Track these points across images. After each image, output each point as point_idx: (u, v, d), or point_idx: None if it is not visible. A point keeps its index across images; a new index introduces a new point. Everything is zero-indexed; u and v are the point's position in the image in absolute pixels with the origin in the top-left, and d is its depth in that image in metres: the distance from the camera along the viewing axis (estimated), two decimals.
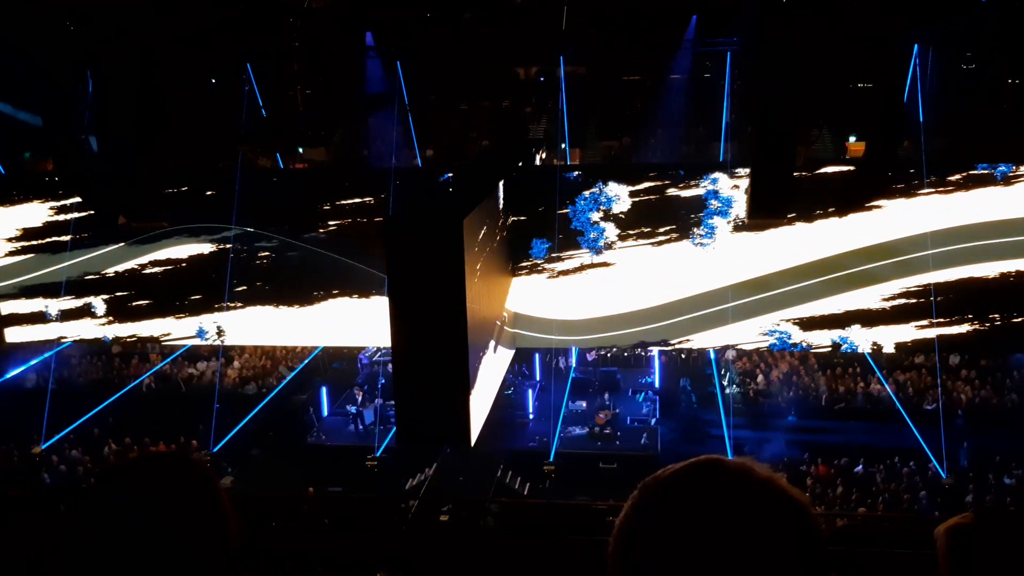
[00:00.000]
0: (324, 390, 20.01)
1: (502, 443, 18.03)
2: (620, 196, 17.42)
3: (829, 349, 17.78)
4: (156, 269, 18.95)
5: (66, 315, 19.27)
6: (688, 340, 18.02)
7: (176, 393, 21.11)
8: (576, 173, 17.71)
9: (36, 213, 18.94)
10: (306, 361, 21.59)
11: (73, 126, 14.94)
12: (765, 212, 16.24)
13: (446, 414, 13.24)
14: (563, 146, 18.10)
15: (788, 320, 17.50)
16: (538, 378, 20.58)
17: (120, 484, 1.61)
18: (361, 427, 18.81)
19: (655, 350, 20.05)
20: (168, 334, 19.41)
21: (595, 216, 17.53)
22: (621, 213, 17.46)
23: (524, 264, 17.83)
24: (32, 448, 17.72)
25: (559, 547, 11.50)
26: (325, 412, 19.81)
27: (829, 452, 17.20)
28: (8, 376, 20.53)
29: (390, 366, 17.66)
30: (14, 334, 19.76)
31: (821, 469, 16.64)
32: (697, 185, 17.27)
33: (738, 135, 17.46)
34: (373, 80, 18.48)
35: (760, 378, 20.15)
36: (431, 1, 17.48)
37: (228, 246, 18.42)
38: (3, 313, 19.48)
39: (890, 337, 17.42)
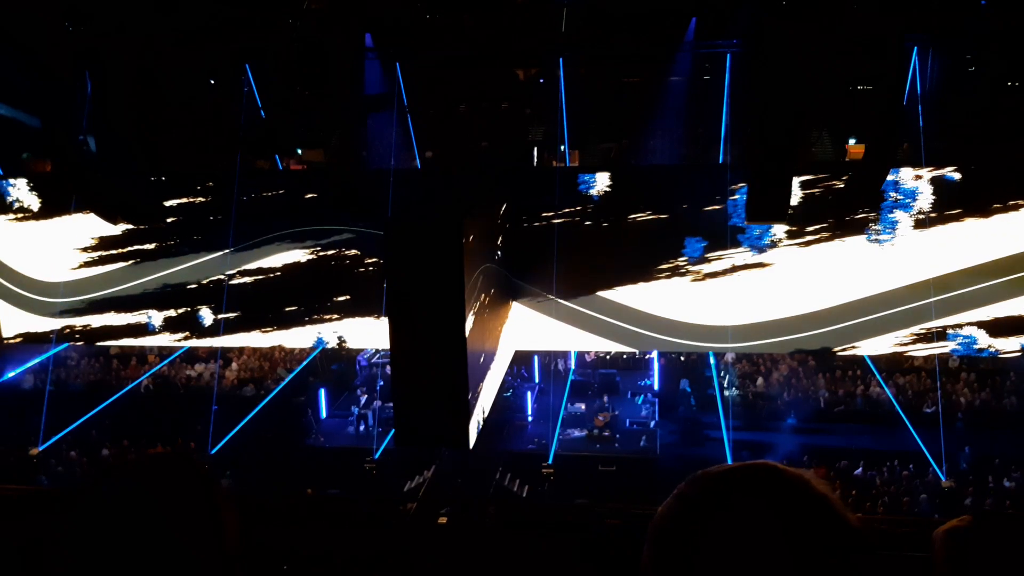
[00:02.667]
0: (323, 392, 20.01)
1: (501, 445, 18.03)
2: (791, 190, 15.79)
3: (1019, 353, 16.52)
4: (261, 276, 18.65)
5: (170, 325, 19.10)
6: (854, 347, 16.93)
7: (174, 395, 21.11)
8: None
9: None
10: (304, 363, 21.59)
11: (72, 126, 14.91)
12: (764, 215, 16.21)
13: (444, 416, 13.24)
14: (562, 148, 18.10)
15: (972, 324, 16.28)
16: (537, 380, 20.58)
17: (119, 485, 1.60)
18: (363, 428, 18.83)
19: (654, 352, 20.04)
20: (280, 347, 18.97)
21: None
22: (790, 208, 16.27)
23: (664, 266, 17.05)
24: (30, 449, 17.71)
25: (558, 544, 11.47)
26: (324, 414, 19.81)
27: (829, 455, 17.22)
28: (6, 377, 20.53)
29: (388, 368, 17.68)
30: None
31: (821, 471, 16.63)
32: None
33: (738, 137, 17.45)
34: (372, 82, 18.48)
35: (760, 380, 20.15)
36: (431, 3, 17.46)
37: (345, 251, 17.96)
38: (97, 325, 19.37)
39: None
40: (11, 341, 19.75)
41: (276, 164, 19.46)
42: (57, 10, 14.53)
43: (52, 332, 19.51)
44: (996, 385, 19.28)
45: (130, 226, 18.33)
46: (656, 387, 20.26)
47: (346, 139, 17.94)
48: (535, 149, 19.14)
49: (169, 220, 18.42)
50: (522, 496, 16.76)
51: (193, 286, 18.72)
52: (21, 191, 19.02)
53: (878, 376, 19.28)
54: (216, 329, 18.95)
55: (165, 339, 19.36)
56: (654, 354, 20.35)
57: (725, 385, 19.68)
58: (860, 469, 16.74)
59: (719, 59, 17.31)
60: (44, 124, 15.30)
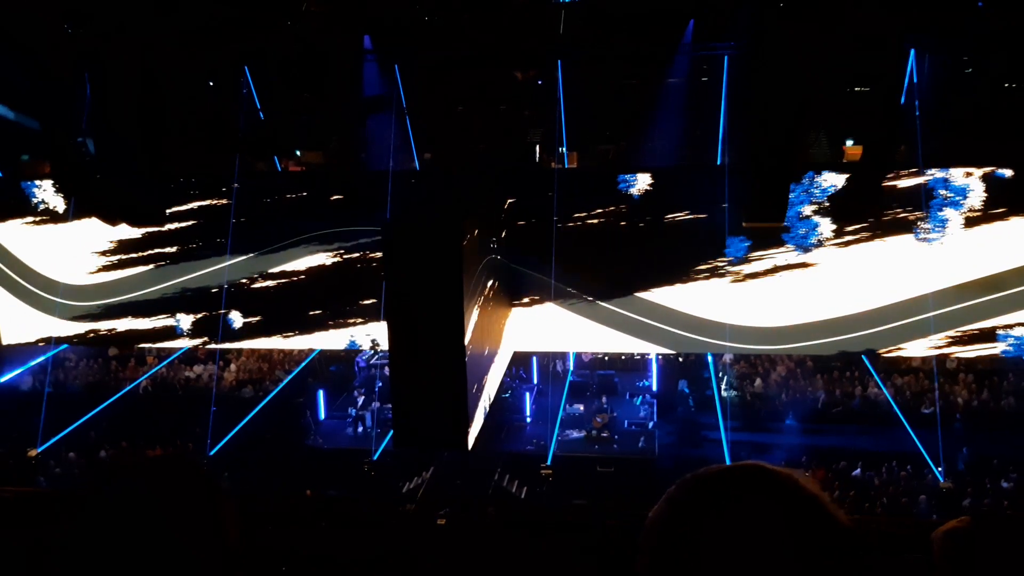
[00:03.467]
0: (321, 393, 20.01)
1: (499, 446, 18.03)
2: (837, 186, 15.95)
3: None
4: (289, 279, 18.57)
5: (198, 329, 19.07)
6: (900, 348, 16.66)
7: (173, 396, 21.09)
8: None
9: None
10: (303, 364, 21.58)
11: (71, 128, 14.92)
12: (762, 216, 16.24)
13: (443, 417, 13.25)
14: (561, 150, 18.11)
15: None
16: (535, 381, 20.58)
17: (121, 487, 1.61)
18: (361, 429, 18.83)
19: (652, 353, 20.05)
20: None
21: (807, 210, 16.08)
22: (832, 205, 16.00)
23: (702, 267, 16.88)
24: (28, 451, 17.70)
25: (557, 545, 11.48)
26: (322, 415, 19.80)
27: (827, 455, 17.22)
28: (5, 378, 20.52)
29: (387, 369, 17.67)
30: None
31: (819, 473, 16.64)
32: (920, 173, 15.81)
33: (736, 139, 17.46)
34: (371, 83, 18.48)
35: (758, 381, 20.16)
36: (429, 4, 17.48)
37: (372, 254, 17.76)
38: (123, 329, 19.36)
39: None
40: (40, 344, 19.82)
41: (275, 165, 19.46)
42: (57, 12, 14.53)
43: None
44: (994, 386, 19.31)
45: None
46: (654, 388, 20.27)
47: (345, 141, 17.95)
48: (537, 147, 19.16)
49: (189, 223, 18.37)
50: (521, 497, 16.76)
51: (215, 289, 18.71)
52: (47, 192, 18.94)
53: (876, 377, 19.30)
54: (238, 332, 18.92)
55: (190, 343, 19.47)
56: (652, 355, 20.36)
57: (723, 386, 19.70)
58: (858, 470, 16.75)
59: (717, 61, 17.33)
60: (44, 125, 15.31)
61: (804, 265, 16.45)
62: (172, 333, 19.26)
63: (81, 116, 15.03)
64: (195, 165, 19.31)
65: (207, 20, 15.96)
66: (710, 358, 20.01)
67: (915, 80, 15.62)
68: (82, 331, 19.63)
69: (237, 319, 18.84)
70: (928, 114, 15.71)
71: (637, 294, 17.46)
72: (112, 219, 17.75)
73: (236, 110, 17.31)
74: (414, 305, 12.57)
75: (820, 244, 16.29)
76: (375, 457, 17.20)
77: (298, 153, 20.69)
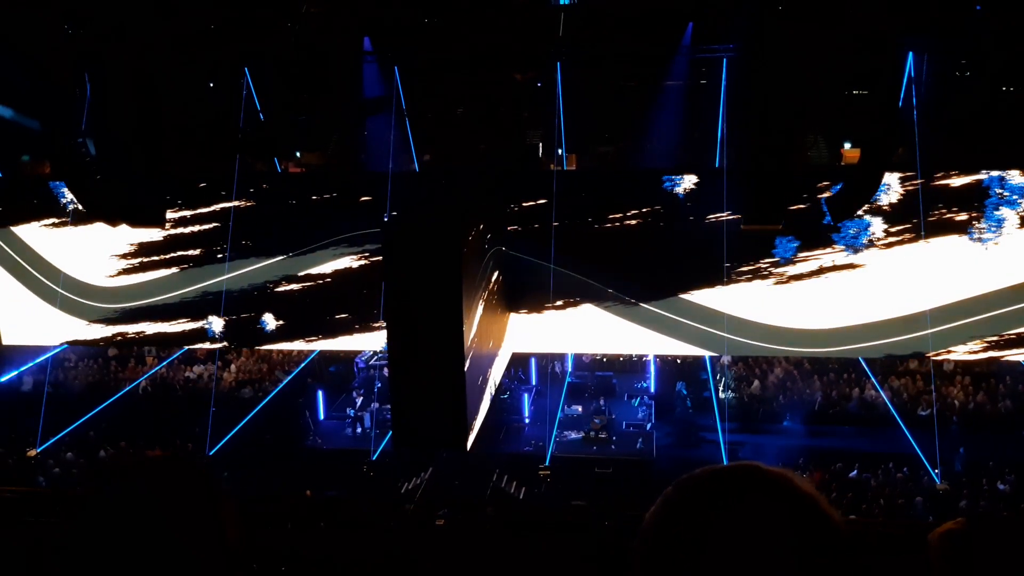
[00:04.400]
0: (320, 394, 20.01)
1: (498, 447, 18.04)
2: (889, 185, 15.43)
3: None
4: (317, 282, 18.46)
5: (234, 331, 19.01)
6: (949, 352, 16.29)
7: (172, 396, 21.08)
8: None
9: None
10: (302, 365, 21.59)
11: (71, 129, 14.92)
12: (760, 219, 16.25)
13: (442, 418, 13.26)
14: (560, 151, 18.13)
15: None
16: (534, 382, 20.60)
17: (120, 488, 1.62)
18: (359, 430, 18.83)
19: (651, 354, 20.08)
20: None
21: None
22: (887, 205, 15.56)
23: (745, 269, 16.58)
24: (27, 451, 17.70)
25: (556, 545, 11.51)
26: (322, 416, 19.80)
27: (824, 457, 17.24)
28: (4, 379, 20.51)
29: (386, 370, 17.69)
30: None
31: (816, 475, 16.67)
32: (976, 171, 15.41)
33: (734, 141, 17.48)
34: (371, 85, 18.50)
35: (755, 383, 20.19)
36: (429, 6, 17.49)
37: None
38: (151, 332, 19.31)
39: None
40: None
41: (275, 167, 19.46)
42: (57, 13, 14.54)
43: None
44: (991, 388, 19.35)
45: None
46: (652, 389, 20.28)
47: (345, 142, 17.95)
48: (540, 146, 19.17)
49: (209, 227, 18.31)
50: (519, 498, 16.78)
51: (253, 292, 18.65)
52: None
53: (873, 379, 19.33)
54: (276, 335, 18.83)
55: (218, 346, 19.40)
56: (650, 356, 20.37)
57: (721, 388, 19.72)
58: (855, 471, 16.78)
59: (716, 63, 17.36)
60: (44, 127, 15.31)
61: (852, 266, 16.07)
62: (203, 335, 19.19)
63: (81, 117, 15.03)
64: (194, 167, 19.33)
65: (207, 22, 15.98)
66: (708, 360, 20.03)
67: (913, 82, 15.64)
68: (109, 334, 19.53)
69: (270, 321, 18.78)
70: (926, 116, 15.73)
71: (681, 295, 17.19)
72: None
73: (236, 111, 17.31)
74: (414, 305, 12.58)
75: (871, 244, 15.90)
76: (374, 457, 17.21)
77: (298, 155, 20.70)
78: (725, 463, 1.41)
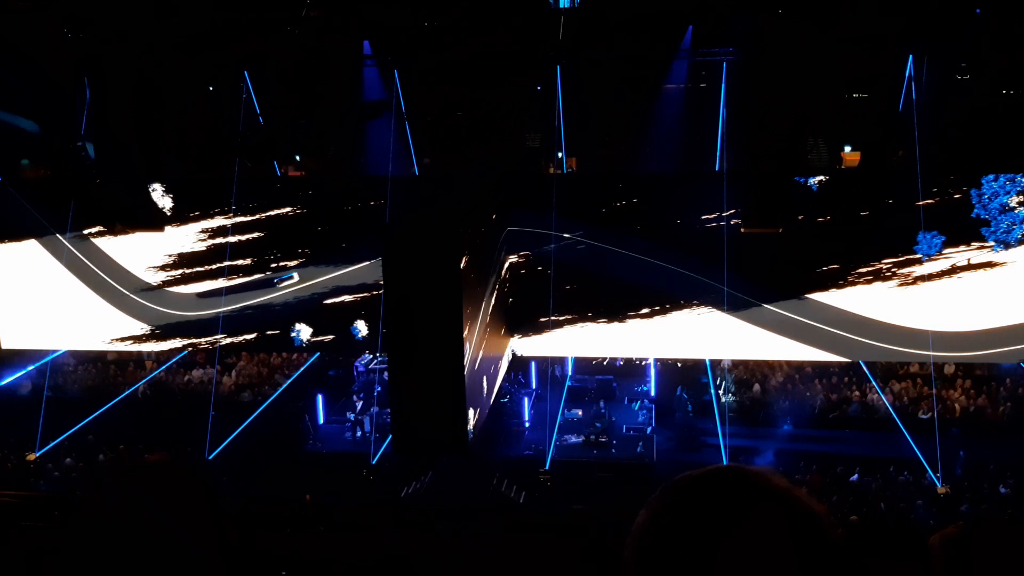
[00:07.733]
0: (320, 398, 19.99)
1: (498, 451, 18.01)
2: None
3: None
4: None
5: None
6: None
7: (172, 401, 21.06)
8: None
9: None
10: (302, 369, 21.57)
11: (71, 133, 14.94)
12: (760, 221, 16.26)
13: (442, 423, 13.22)
14: (560, 155, 18.14)
15: None
16: (534, 386, 20.57)
17: (120, 491, 1.62)
18: (360, 434, 18.80)
19: (651, 358, 20.05)
20: None
21: (1013, 201, 14.62)
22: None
23: (872, 265, 15.70)
24: (27, 455, 17.69)
25: (555, 550, 11.49)
26: (321, 420, 19.78)
27: (825, 461, 17.21)
28: (4, 383, 20.50)
29: (385, 374, 17.66)
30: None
31: (816, 478, 16.65)
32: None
33: (734, 144, 17.48)
34: (370, 88, 18.51)
35: (756, 387, 20.16)
36: (429, 10, 17.52)
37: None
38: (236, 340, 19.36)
39: None
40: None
41: (275, 170, 19.46)
42: (57, 17, 14.57)
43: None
44: (992, 391, 19.32)
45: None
46: (653, 393, 20.25)
47: (344, 146, 17.96)
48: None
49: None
50: (519, 502, 16.75)
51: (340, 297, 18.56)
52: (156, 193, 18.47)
53: (874, 382, 19.31)
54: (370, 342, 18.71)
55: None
56: (650, 359, 20.34)
57: (722, 391, 19.69)
58: (856, 475, 16.75)
59: (716, 67, 17.37)
60: (43, 130, 15.34)
61: (990, 264, 15.20)
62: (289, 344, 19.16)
63: (81, 121, 15.06)
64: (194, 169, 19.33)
65: (207, 25, 16.01)
66: (708, 363, 20.00)
67: (913, 86, 15.65)
68: (179, 345, 19.56)
69: (362, 327, 18.66)
70: (926, 119, 15.73)
71: (809, 295, 16.44)
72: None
73: (236, 115, 17.31)
74: (414, 310, 12.54)
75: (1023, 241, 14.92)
76: (374, 461, 17.18)
77: (297, 158, 20.72)
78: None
